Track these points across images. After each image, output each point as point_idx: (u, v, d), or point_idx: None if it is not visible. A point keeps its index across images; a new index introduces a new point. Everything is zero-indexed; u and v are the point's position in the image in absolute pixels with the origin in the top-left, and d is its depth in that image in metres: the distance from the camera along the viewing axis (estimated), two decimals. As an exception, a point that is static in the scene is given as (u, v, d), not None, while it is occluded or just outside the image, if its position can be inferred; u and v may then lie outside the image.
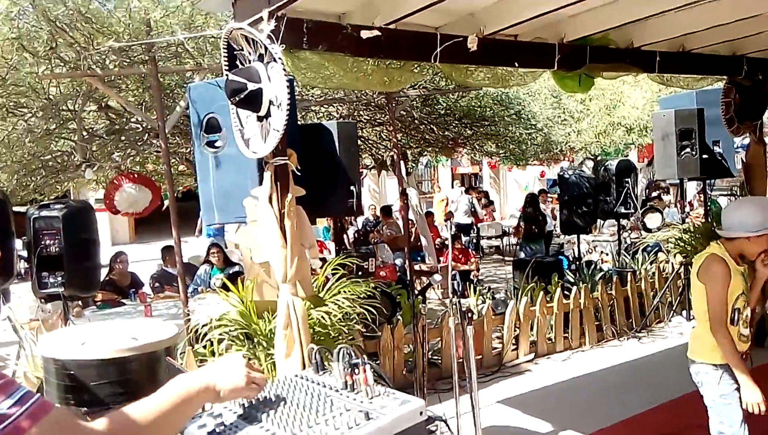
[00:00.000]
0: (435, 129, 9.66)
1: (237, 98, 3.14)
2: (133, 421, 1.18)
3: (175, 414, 1.25)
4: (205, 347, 3.90)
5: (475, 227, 15.25)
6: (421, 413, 1.33)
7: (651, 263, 7.89)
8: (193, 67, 5.99)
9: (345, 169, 4.74)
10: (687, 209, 9.78)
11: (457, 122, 9.65)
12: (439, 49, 3.79)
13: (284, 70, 3.06)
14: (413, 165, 13.19)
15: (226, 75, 3.23)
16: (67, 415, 1.09)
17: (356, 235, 12.48)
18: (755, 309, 6.32)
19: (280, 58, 3.04)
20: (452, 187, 19.54)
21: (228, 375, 1.36)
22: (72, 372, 2.93)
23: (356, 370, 1.43)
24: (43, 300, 4.97)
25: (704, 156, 6.48)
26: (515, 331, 6.41)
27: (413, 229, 10.43)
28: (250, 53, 3.25)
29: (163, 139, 5.26)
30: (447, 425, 1.45)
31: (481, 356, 6.10)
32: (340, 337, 3.62)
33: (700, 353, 3.14)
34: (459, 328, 3.51)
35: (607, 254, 9.79)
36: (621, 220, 8.55)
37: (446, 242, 11.37)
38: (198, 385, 1.32)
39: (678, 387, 3.30)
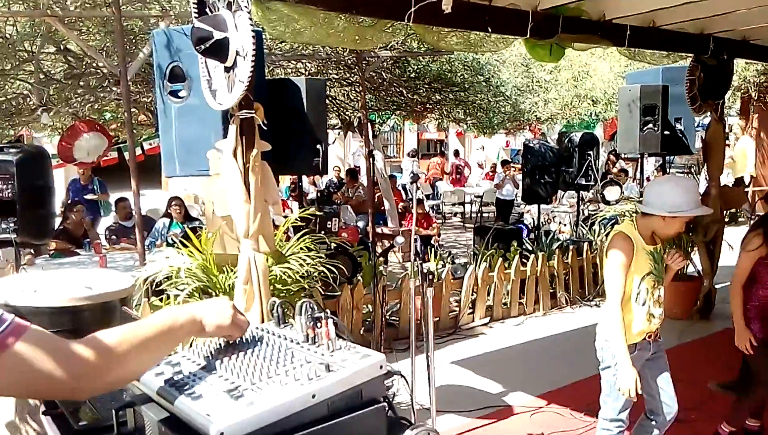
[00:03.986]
0: (404, 92, 9.60)
1: (202, 47, 3.05)
2: (119, 341, 1.18)
3: (158, 342, 1.26)
4: (161, 300, 3.86)
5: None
6: (381, 367, 1.35)
7: (607, 235, 8.07)
8: (158, 13, 5.79)
9: (312, 127, 4.68)
10: (645, 184, 9.99)
11: (426, 86, 9.60)
12: (413, 9, 3.74)
13: (250, 18, 2.98)
14: (380, 128, 13.13)
15: (194, 22, 3.13)
16: (44, 331, 1.10)
17: (319, 194, 12.44)
18: (703, 282, 6.56)
19: (246, 6, 2.96)
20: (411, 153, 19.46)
21: (214, 311, 1.39)
22: (24, 319, 2.87)
23: (318, 324, 1.43)
24: (-6, 246, 4.82)
25: (666, 132, 6.59)
26: (473, 295, 6.52)
27: (377, 193, 10.44)
28: (219, 0, 3.15)
29: (124, 86, 5.09)
30: (405, 380, 1.47)
31: (438, 318, 6.20)
32: (300, 294, 3.63)
33: (606, 331, 3.07)
34: (419, 289, 3.55)
35: (565, 225, 9.98)
36: (581, 191, 8.69)
37: (409, 206, 11.44)
38: (185, 316, 1.34)
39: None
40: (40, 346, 1.07)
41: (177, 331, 1.32)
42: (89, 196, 8.79)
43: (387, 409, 1.38)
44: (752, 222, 3.77)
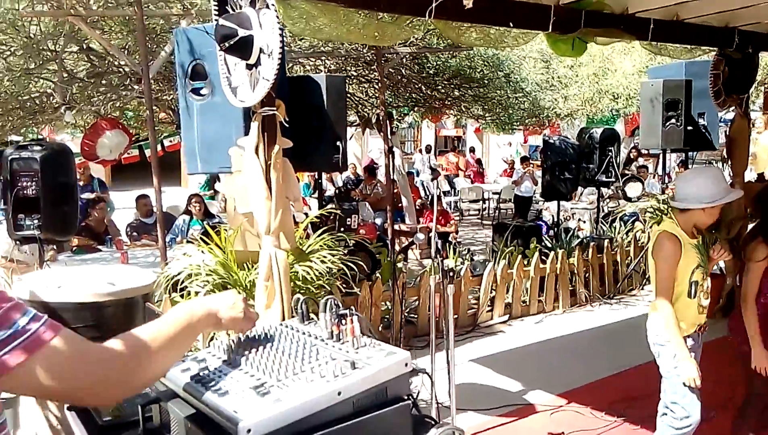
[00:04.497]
0: (423, 88, 9.56)
1: (227, 44, 3.06)
2: (144, 343, 1.19)
3: (180, 338, 1.28)
4: (182, 296, 3.89)
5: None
6: (406, 365, 1.35)
7: (627, 232, 7.99)
8: (179, 11, 5.83)
9: (332, 124, 4.69)
10: (667, 180, 9.90)
11: (445, 82, 9.55)
12: (434, 5, 3.71)
13: (277, 17, 2.99)
14: (398, 124, 13.11)
15: (216, 20, 3.14)
16: (76, 334, 1.11)
17: (337, 191, 12.45)
18: (726, 280, 6.46)
19: (273, 5, 2.96)
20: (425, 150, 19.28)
21: (228, 304, 1.41)
22: (48, 314, 2.90)
23: (343, 321, 1.44)
24: (18, 242, 4.90)
25: (689, 127, 6.50)
26: (491, 292, 6.49)
27: (395, 190, 10.42)
28: (240, -2, 3.16)
29: (146, 84, 5.12)
30: (431, 378, 1.47)
31: (456, 316, 6.18)
32: (321, 291, 3.64)
33: (657, 326, 3.17)
34: (439, 286, 3.54)
35: (584, 222, 9.90)
36: (601, 187, 8.61)
37: (426, 203, 11.41)
38: (201, 310, 1.35)
39: (645, 353, 3.37)
40: (76, 345, 1.08)
41: (195, 326, 1.33)
42: (86, 196, 8.81)
43: (411, 407, 1.38)
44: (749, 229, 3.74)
